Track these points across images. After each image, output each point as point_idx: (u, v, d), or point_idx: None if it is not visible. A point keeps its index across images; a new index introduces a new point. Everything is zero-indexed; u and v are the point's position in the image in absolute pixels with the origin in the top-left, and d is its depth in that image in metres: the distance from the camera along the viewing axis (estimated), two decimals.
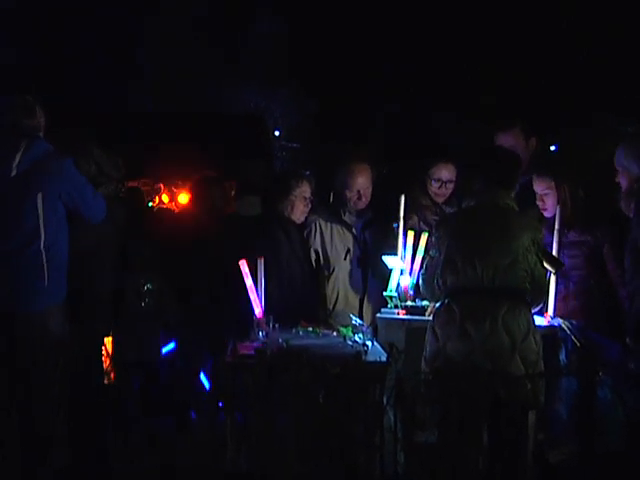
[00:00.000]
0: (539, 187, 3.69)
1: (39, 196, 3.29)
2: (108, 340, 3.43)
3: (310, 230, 4.19)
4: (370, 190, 4.21)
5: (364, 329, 3.63)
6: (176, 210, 4.58)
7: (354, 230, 4.23)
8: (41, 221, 3.30)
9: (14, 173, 3.31)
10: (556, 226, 3.61)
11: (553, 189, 3.71)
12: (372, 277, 4.19)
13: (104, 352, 3.33)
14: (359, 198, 4.18)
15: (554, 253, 3.54)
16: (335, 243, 4.19)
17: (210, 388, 3.62)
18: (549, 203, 3.72)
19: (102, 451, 3.13)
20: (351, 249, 4.20)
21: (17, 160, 3.33)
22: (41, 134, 3.46)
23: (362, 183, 4.15)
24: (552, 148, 4.17)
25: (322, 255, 4.19)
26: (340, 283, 4.20)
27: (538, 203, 3.72)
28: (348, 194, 4.17)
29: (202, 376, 3.65)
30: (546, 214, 3.68)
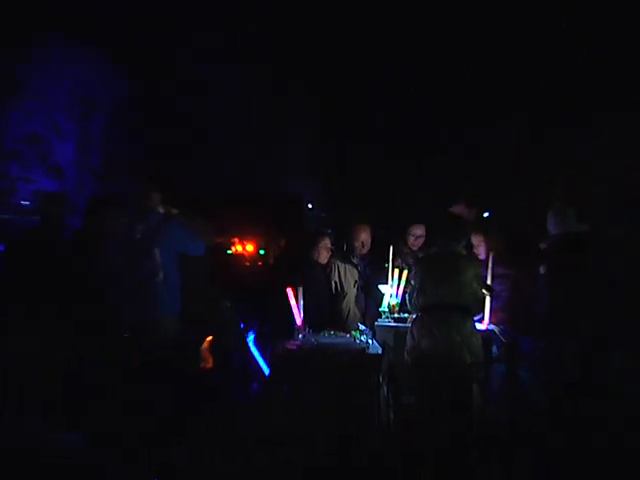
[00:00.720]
0: (475, 240, 4.45)
1: (156, 250, 4.02)
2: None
3: (331, 269, 4.84)
4: (369, 242, 4.90)
5: (367, 332, 4.37)
6: (246, 255, 5.27)
7: (359, 268, 4.90)
8: (158, 264, 4.02)
9: (139, 236, 4.06)
10: (490, 264, 4.26)
11: (483, 242, 4.48)
12: (371, 299, 4.82)
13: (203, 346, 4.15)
14: (362, 247, 4.88)
15: (489, 282, 4.22)
16: (347, 277, 4.83)
17: (269, 372, 4.32)
18: (481, 250, 4.47)
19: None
20: (357, 281, 4.86)
21: (140, 228, 4.08)
22: (157, 207, 4.17)
23: (364, 237, 4.86)
24: (486, 214, 4.94)
25: (339, 285, 4.82)
26: (350, 303, 4.81)
27: (475, 251, 4.43)
28: (355, 244, 4.86)
29: (262, 363, 4.37)
30: (480, 257, 4.38)
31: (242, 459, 3.50)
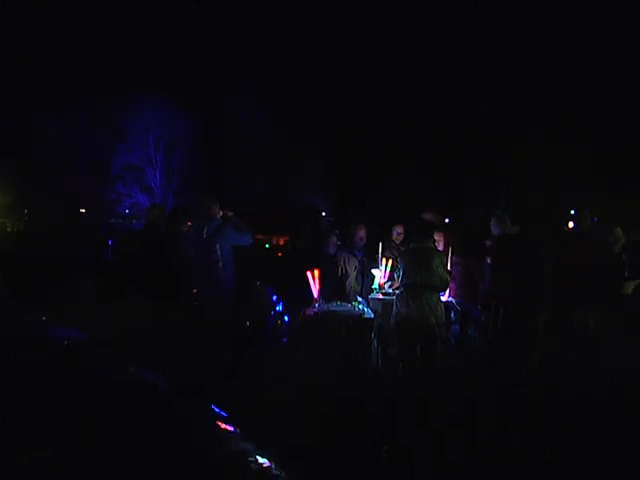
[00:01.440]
0: (436, 236, 5.15)
1: (217, 246, 4.93)
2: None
3: (338, 257, 5.54)
4: (365, 237, 5.63)
5: (363, 303, 5.16)
6: (278, 248, 6.16)
7: (358, 257, 5.62)
8: (219, 256, 4.94)
9: (205, 236, 4.97)
10: (449, 255, 5.18)
11: (442, 237, 5.31)
12: (367, 279, 5.57)
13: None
14: (361, 241, 5.62)
15: (449, 268, 5.02)
16: (349, 263, 5.54)
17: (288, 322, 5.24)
18: (440, 244, 5.25)
19: None
20: (357, 266, 5.59)
21: (206, 230, 4.97)
22: (217, 214, 5.06)
23: (362, 234, 5.63)
24: (447, 220, 5.87)
25: (343, 269, 5.52)
26: (352, 282, 5.53)
27: (436, 244, 5.02)
28: (355, 239, 5.60)
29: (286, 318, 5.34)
30: (439, 248, 5.10)
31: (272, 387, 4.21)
